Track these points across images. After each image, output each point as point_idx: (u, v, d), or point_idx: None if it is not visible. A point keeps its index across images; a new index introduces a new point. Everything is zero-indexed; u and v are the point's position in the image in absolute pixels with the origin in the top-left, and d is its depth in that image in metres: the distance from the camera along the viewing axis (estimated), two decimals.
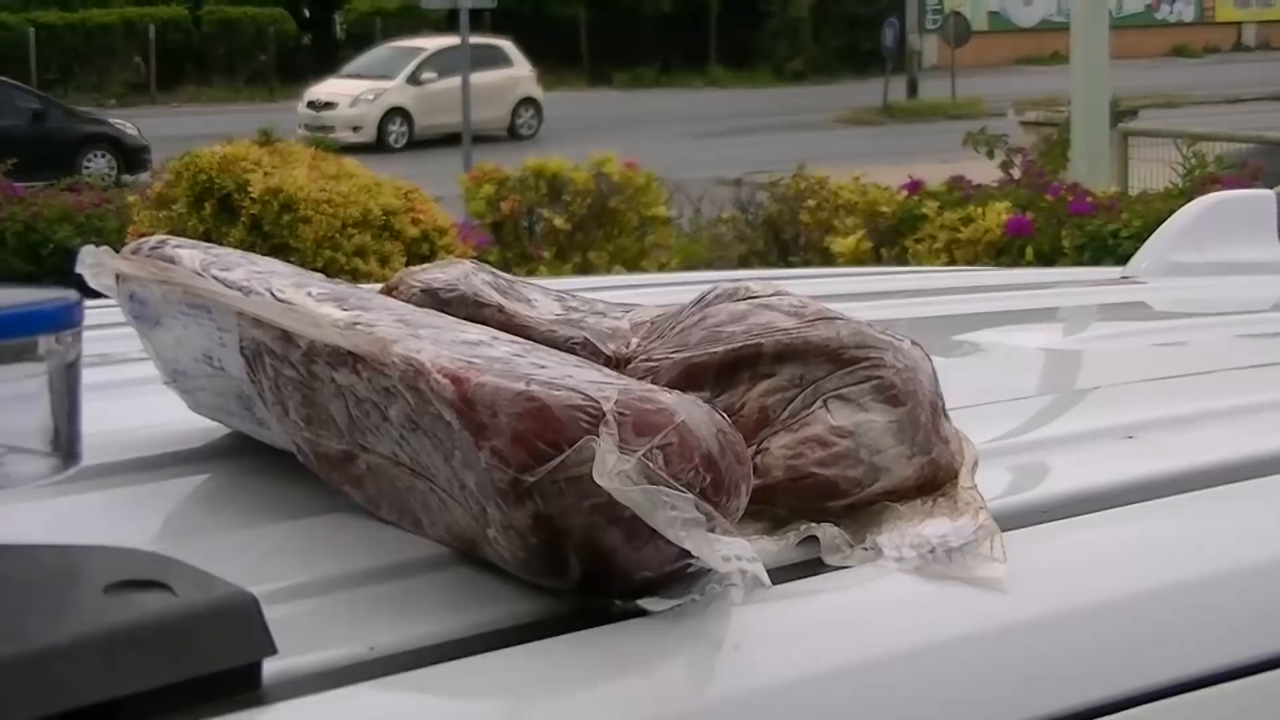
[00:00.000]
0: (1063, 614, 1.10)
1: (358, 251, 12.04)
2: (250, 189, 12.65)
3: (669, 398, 1.01)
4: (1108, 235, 11.32)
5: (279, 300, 1.17)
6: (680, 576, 1.01)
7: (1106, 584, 1.14)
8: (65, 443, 0.97)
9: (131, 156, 27.88)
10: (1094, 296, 2.37)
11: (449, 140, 30.29)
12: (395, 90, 33.85)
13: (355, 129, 32.26)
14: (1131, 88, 25.56)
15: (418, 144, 32.72)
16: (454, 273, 1.35)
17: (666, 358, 1.21)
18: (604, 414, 0.97)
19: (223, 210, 12.84)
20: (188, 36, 44.07)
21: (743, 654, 1.00)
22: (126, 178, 24.78)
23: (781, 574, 1.06)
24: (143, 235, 8.97)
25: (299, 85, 36.99)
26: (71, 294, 0.98)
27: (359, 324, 1.11)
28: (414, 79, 34.21)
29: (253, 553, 1.13)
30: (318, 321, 1.12)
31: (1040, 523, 1.19)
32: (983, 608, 1.07)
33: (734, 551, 0.96)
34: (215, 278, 1.21)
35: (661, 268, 11.95)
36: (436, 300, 1.30)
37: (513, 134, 34.45)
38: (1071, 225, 11.58)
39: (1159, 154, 15.77)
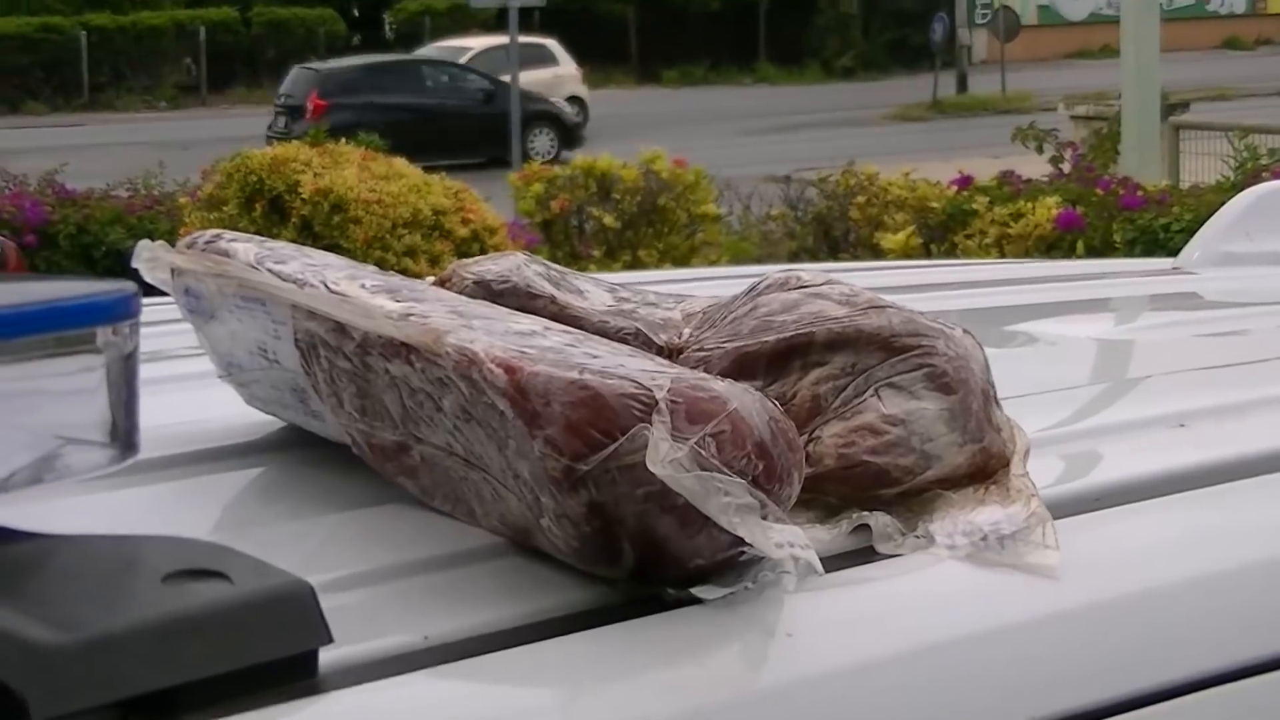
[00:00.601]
0: (1115, 601, 1.10)
1: (408, 251, 12.07)
2: (300, 190, 12.70)
3: (721, 386, 1.01)
4: (1159, 229, 11.28)
5: (333, 293, 1.17)
6: (733, 564, 1.02)
7: (1159, 571, 1.14)
8: (123, 434, 0.98)
9: (569, 133, 30.97)
10: (1145, 287, 2.36)
11: None
12: None
13: None
14: (1182, 81, 25.45)
15: None
16: (506, 264, 1.35)
17: (718, 347, 1.22)
18: (657, 402, 0.97)
19: (273, 211, 12.89)
20: (237, 38, 44.24)
21: (796, 641, 1.00)
22: (565, 153, 26.26)
23: (834, 562, 1.06)
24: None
25: None
26: (129, 285, 0.99)
27: (412, 315, 1.11)
28: None
29: (308, 543, 1.14)
30: (372, 313, 1.13)
31: (1093, 510, 1.19)
32: (1035, 595, 1.07)
33: (787, 538, 0.97)
34: (270, 271, 1.22)
35: (711, 265, 11.94)
36: (489, 292, 1.31)
37: None
38: (1122, 219, 11.55)
39: (1210, 147, 15.71)
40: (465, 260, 1.38)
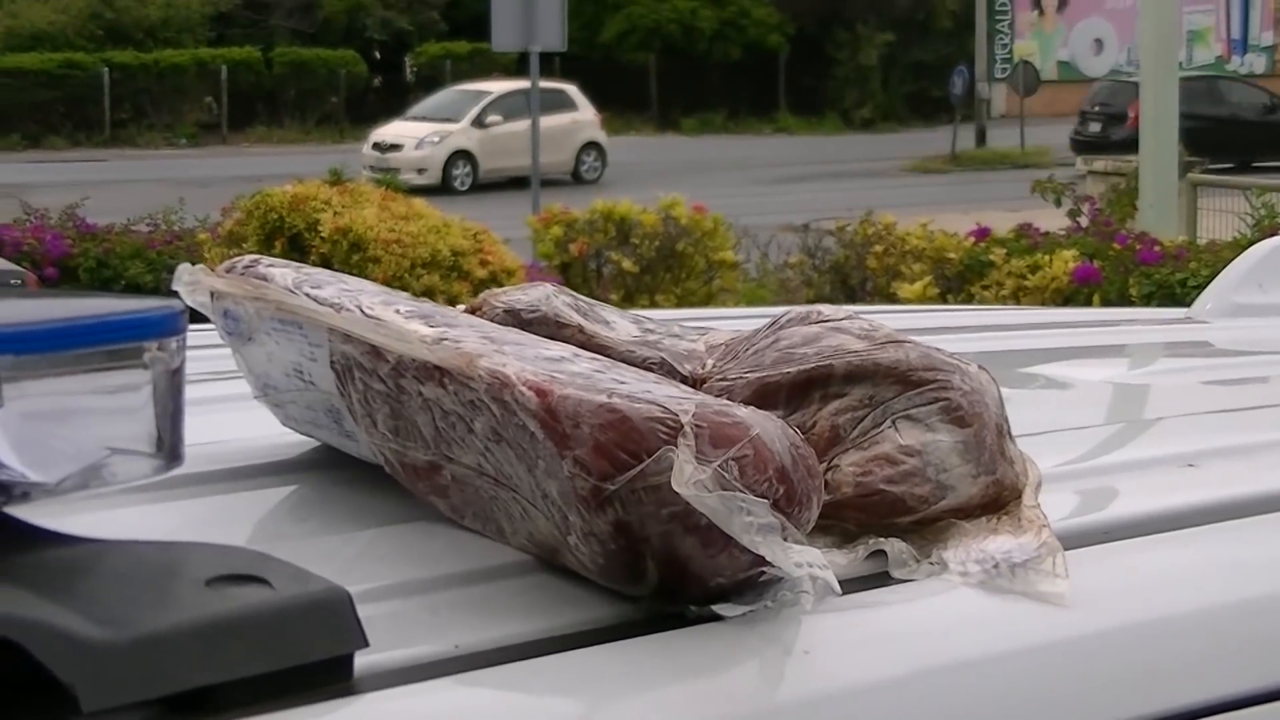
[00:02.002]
0: (1122, 630, 1.13)
1: (426, 292, 12.11)
2: (320, 228, 12.76)
3: (744, 412, 1.05)
4: (1175, 284, 11.31)
5: (369, 317, 1.21)
6: (753, 584, 1.05)
7: (1165, 603, 1.18)
8: (168, 445, 1.02)
9: None
10: (1158, 334, 2.40)
11: (513, 183, 30.46)
12: (460, 133, 34.00)
13: (420, 171, 32.40)
14: None
15: (482, 187, 32.85)
16: (535, 294, 1.40)
17: (741, 377, 1.25)
18: (682, 426, 1.01)
19: (293, 249, 12.94)
20: (259, 77, 44.41)
21: (813, 659, 1.04)
22: None
23: (850, 585, 1.09)
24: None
25: (369, 127, 37.21)
26: (176, 304, 1.03)
27: (446, 339, 1.15)
28: (479, 122, 34.36)
29: (343, 556, 1.18)
30: (406, 337, 1.17)
31: (1102, 543, 1.22)
32: (1044, 622, 1.11)
33: (806, 559, 1.00)
34: (307, 295, 1.26)
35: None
36: (519, 320, 1.35)
37: (576, 178, 34.56)
38: (1139, 274, 11.58)
39: (1228, 204, 15.73)
40: (496, 290, 1.42)
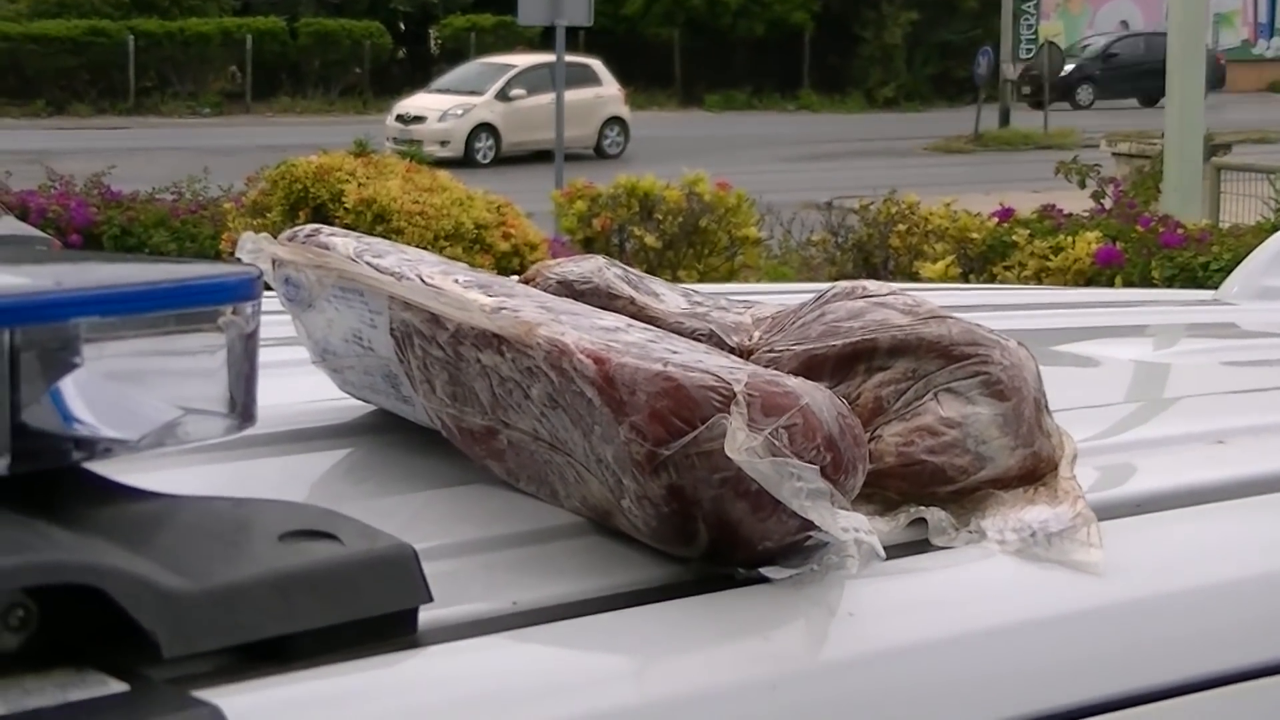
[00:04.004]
0: (1154, 598, 1.17)
1: None
2: (344, 199, 12.78)
3: (794, 382, 1.09)
4: (1198, 267, 11.32)
5: (429, 285, 1.25)
6: (799, 548, 1.09)
7: (1196, 573, 1.22)
8: (241, 406, 1.06)
9: None
10: (1186, 315, 2.44)
11: (536, 157, 30.45)
12: (484, 106, 34.00)
13: (443, 143, 32.41)
14: (1225, 122, 25.47)
15: (504, 160, 32.86)
16: (588, 266, 1.43)
17: (788, 349, 1.29)
18: (735, 394, 1.05)
19: (317, 219, 12.96)
20: (284, 47, 44.44)
21: (856, 621, 1.08)
22: None
23: (892, 551, 1.13)
24: (236, 242, 9.06)
25: (392, 99, 37.23)
26: (252, 269, 1.07)
27: (504, 309, 1.19)
28: (503, 95, 34.36)
29: (402, 516, 1.22)
30: (466, 306, 1.21)
31: (1135, 514, 1.26)
32: (1079, 589, 1.15)
33: (852, 523, 1.04)
34: (369, 264, 1.30)
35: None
36: (572, 291, 1.39)
37: (599, 153, 34.55)
38: (1161, 257, 11.59)
39: (1251, 189, 15.74)
40: (548, 261, 1.46)
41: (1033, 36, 46.42)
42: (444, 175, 13.80)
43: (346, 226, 12.45)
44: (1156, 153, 15.52)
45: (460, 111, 33.79)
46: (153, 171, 19.31)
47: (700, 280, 12.75)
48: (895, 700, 1.05)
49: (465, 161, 31.54)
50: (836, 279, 8.64)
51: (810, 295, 1.39)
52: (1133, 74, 44.90)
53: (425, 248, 8.39)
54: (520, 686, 0.99)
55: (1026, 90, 41.93)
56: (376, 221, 12.55)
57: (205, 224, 15.34)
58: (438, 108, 33.96)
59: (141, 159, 25.19)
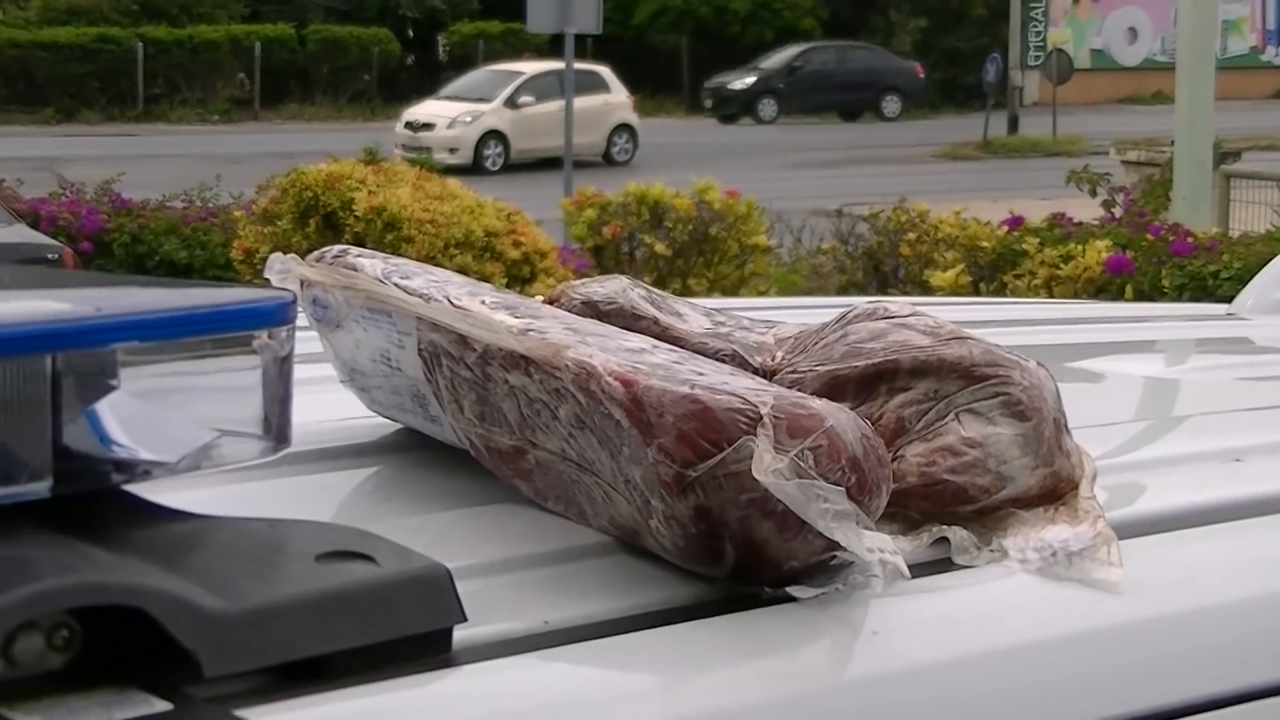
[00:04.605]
0: (1173, 616, 1.19)
1: (459, 272, 12.16)
2: (355, 207, 12.81)
3: (819, 404, 1.11)
4: (1208, 276, 11.34)
5: (456, 307, 1.27)
6: (824, 568, 1.11)
7: (1214, 591, 1.23)
8: (276, 428, 1.08)
9: None
10: (1201, 331, 2.45)
11: (545, 164, 30.50)
12: (492, 113, 34.08)
13: (452, 150, 32.48)
14: (1235, 130, 25.45)
15: (513, 167, 32.92)
16: (612, 287, 1.45)
17: (811, 370, 1.31)
18: (761, 417, 1.07)
19: (327, 227, 13.00)
20: (293, 54, 44.50)
21: (881, 639, 1.10)
22: None
23: (915, 570, 1.15)
24: (247, 250, 9.08)
25: (401, 105, 37.29)
26: (286, 294, 1.09)
27: (532, 330, 1.21)
28: (511, 102, 34.44)
29: (431, 534, 1.23)
30: (494, 327, 1.22)
31: (1154, 533, 1.28)
32: (1099, 608, 1.16)
33: (877, 544, 1.06)
34: (397, 285, 1.32)
35: (760, 295, 12.03)
36: (596, 312, 1.41)
37: (608, 160, 34.62)
38: (1172, 265, 11.61)
39: (1261, 196, 15.76)
40: (573, 282, 1.48)
41: (1041, 43, 46.46)
42: (454, 183, 13.83)
43: (356, 234, 12.51)
44: (1166, 160, 15.54)
45: (469, 119, 33.86)
46: (162, 178, 19.34)
47: (710, 288, 12.77)
48: (919, 716, 1.07)
49: (474, 168, 31.60)
50: (846, 287, 8.68)
51: (828, 311, 1.41)
52: (822, 87, 43.94)
53: (435, 256, 8.44)
54: (553, 705, 1.01)
55: (709, 104, 43.39)
56: (387, 229, 12.58)
57: (216, 231, 15.39)
58: (446, 115, 34.03)
59: (150, 166, 25.21)
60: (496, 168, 33.20)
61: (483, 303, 1.28)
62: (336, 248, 1.42)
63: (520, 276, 12.60)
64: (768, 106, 43.93)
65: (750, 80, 44.11)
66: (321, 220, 13.04)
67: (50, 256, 13.48)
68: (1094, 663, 1.14)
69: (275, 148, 31.01)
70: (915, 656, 1.10)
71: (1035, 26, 47.25)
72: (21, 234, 14.00)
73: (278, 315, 1.06)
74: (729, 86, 44.06)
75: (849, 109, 44.58)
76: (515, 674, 1.02)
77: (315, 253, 1.42)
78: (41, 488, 0.97)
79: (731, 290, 12.75)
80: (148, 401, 1.01)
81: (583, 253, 13.57)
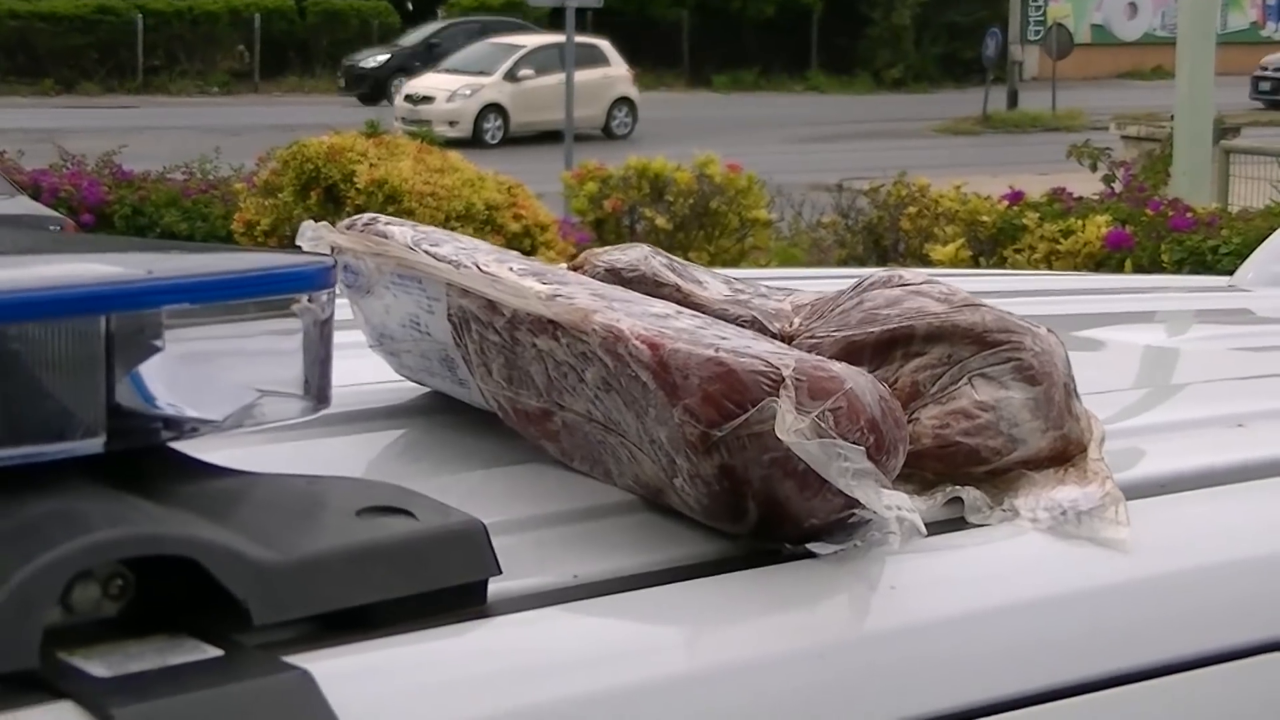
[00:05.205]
0: (1179, 574, 1.23)
1: None
2: (356, 180, 12.84)
3: (839, 367, 1.14)
4: (1207, 251, 11.38)
5: (485, 273, 1.31)
6: (843, 525, 1.15)
7: (1219, 551, 1.28)
8: (316, 389, 1.12)
9: None
10: (1204, 302, 2.50)
11: (544, 137, 30.51)
12: (492, 86, 34.07)
13: (452, 124, 32.46)
14: (1234, 105, 25.48)
15: (513, 140, 32.92)
16: (634, 255, 1.49)
17: (828, 335, 1.35)
18: (784, 379, 1.11)
19: (328, 200, 13.04)
20: (292, 26, 44.49)
21: (898, 594, 1.14)
22: None
23: (931, 529, 1.19)
24: (248, 222, 9.10)
25: (400, 78, 37.24)
26: (327, 258, 1.13)
27: (559, 296, 1.25)
28: (511, 76, 34.42)
29: (461, 493, 1.27)
30: (523, 293, 1.26)
31: (1160, 494, 1.32)
32: (1108, 565, 1.20)
33: (895, 501, 1.10)
34: (426, 252, 1.36)
35: (762, 269, 12.07)
36: (619, 279, 1.44)
37: (608, 133, 34.63)
38: (1171, 240, 11.65)
39: (1260, 172, 15.78)
40: (596, 249, 1.52)
41: (1041, 18, 46.43)
42: (455, 156, 13.86)
43: (357, 206, 12.52)
44: (1166, 136, 15.56)
45: (469, 92, 33.85)
46: (161, 150, 19.39)
47: (711, 261, 12.80)
48: (935, 669, 1.11)
49: (474, 142, 31.60)
50: (846, 261, 8.72)
51: (836, 280, 1.44)
52: None
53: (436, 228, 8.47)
54: (583, 654, 1.05)
55: (342, 83, 39.66)
56: (388, 202, 12.61)
57: (216, 203, 15.42)
58: (446, 88, 34.02)
59: (150, 138, 25.25)
60: (496, 141, 33.20)
61: (510, 269, 1.32)
62: (366, 215, 1.46)
63: (521, 249, 12.53)
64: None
65: (384, 58, 41.01)
66: (323, 193, 13.08)
67: (52, 228, 13.49)
68: (1102, 617, 1.18)
69: (275, 120, 31.01)
70: (931, 611, 1.14)
71: (1035, 1, 47.23)
72: (23, 205, 14.02)
73: (319, 279, 1.10)
74: (361, 65, 40.83)
75: None
76: (547, 625, 1.06)
77: (345, 220, 1.45)
78: (96, 444, 1.01)
79: (732, 264, 12.78)
80: (192, 362, 1.05)
81: (583, 226, 13.60)
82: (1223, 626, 1.21)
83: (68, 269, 1.03)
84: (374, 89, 39.69)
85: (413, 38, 42.04)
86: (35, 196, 14.84)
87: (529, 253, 13.10)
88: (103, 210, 15.46)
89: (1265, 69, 41.07)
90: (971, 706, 1.10)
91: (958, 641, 1.13)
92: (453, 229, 9.77)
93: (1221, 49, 16.41)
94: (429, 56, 39.57)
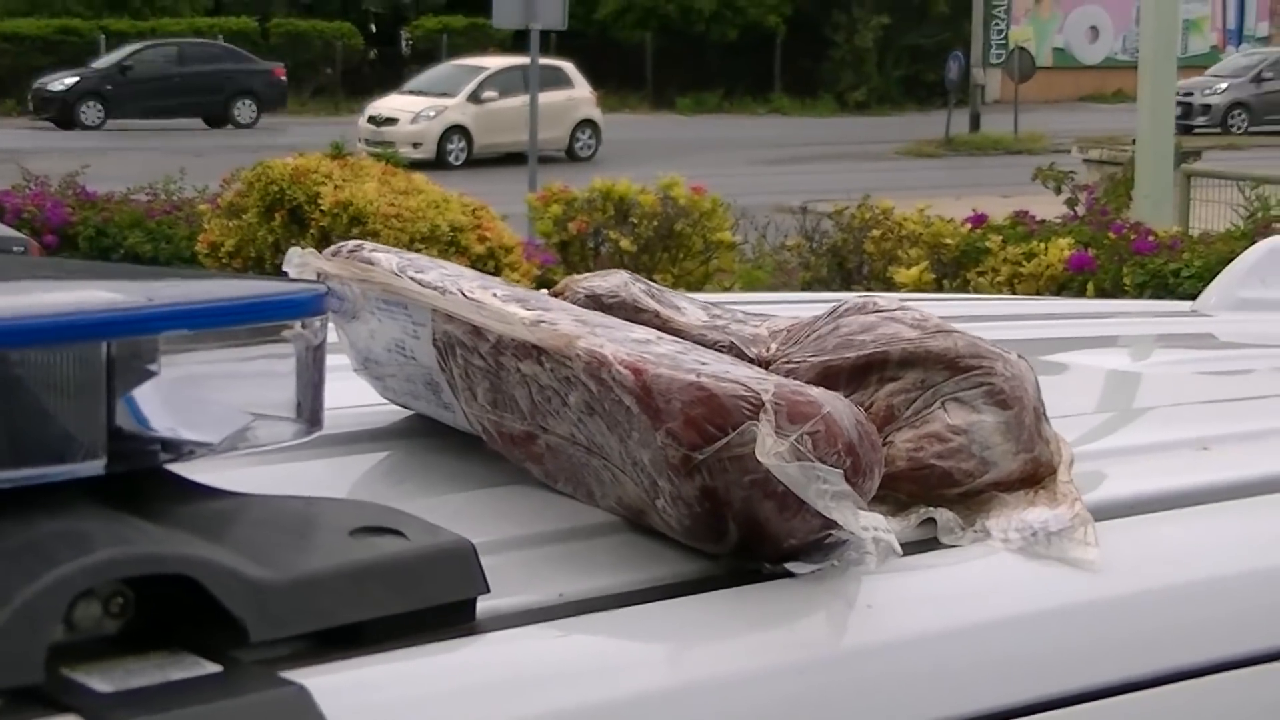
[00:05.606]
0: (1146, 593, 1.27)
1: None
2: (321, 201, 12.83)
3: (816, 392, 1.18)
4: (1169, 274, 11.45)
5: (470, 299, 1.34)
6: (821, 545, 1.18)
7: (1184, 570, 1.31)
8: (309, 412, 1.15)
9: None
10: (1167, 327, 2.54)
11: (508, 159, 30.56)
12: (456, 108, 34.11)
13: (415, 145, 32.47)
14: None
15: (476, 162, 32.94)
16: (614, 281, 1.53)
17: (805, 360, 1.39)
18: (763, 403, 1.14)
19: (293, 221, 13.04)
20: (255, 48, 44.44)
21: (874, 613, 1.17)
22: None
23: (905, 549, 1.22)
24: (213, 243, 9.07)
25: (364, 99, 37.30)
26: (320, 286, 1.16)
27: (543, 321, 1.28)
28: (475, 97, 34.47)
29: (447, 514, 1.30)
30: (507, 319, 1.29)
31: (1127, 516, 1.35)
32: (1077, 584, 1.24)
33: (872, 523, 1.14)
34: (412, 278, 1.39)
35: (725, 291, 12.10)
36: (600, 304, 1.48)
37: (571, 155, 34.68)
38: (1133, 263, 11.72)
39: (1221, 195, 15.87)
40: (576, 276, 1.55)
41: (1003, 41, 46.66)
42: (420, 178, 13.87)
43: (322, 228, 12.49)
44: (1128, 159, 15.65)
45: (432, 113, 33.89)
46: (125, 172, 19.34)
47: (675, 284, 12.83)
48: (910, 685, 1.14)
49: (437, 163, 31.61)
50: (810, 284, 8.74)
51: (809, 305, 1.48)
52: (161, 89, 39.36)
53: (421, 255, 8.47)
54: (569, 670, 1.08)
55: (32, 106, 38.74)
56: (353, 224, 12.62)
57: (180, 225, 15.40)
58: (410, 109, 34.05)
59: (114, 159, 25.18)
60: (459, 162, 33.24)
61: (494, 295, 1.35)
62: (352, 242, 1.48)
63: (485, 272, 12.61)
64: (92, 110, 39.17)
65: (71, 81, 39.34)
66: (287, 214, 13.08)
67: (16, 249, 13.45)
68: (1073, 636, 1.21)
69: (237, 142, 30.97)
70: (906, 628, 1.17)
71: (997, 24, 47.47)
72: None
73: (313, 306, 1.13)
74: (49, 88, 39.12)
75: (204, 114, 40.09)
76: (534, 642, 1.09)
77: (331, 247, 1.48)
78: (96, 466, 1.04)
79: (697, 286, 12.82)
80: (187, 386, 1.08)
81: (548, 248, 13.62)
82: (1189, 644, 1.25)
83: (71, 296, 1.06)
84: (62, 112, 38.84)
85: (105, 60, 40.82)
86: None
87: (493, 275, 13.04)
88: (66, 231, 15.44)
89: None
90: None
91: (933, 658, 1.17)
92: (417, 250, 9.78)
93: (1182, 72, 16.49)
94: (122, 79, 39.12)
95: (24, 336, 1.00)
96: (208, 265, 13.40)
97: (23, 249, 13.51)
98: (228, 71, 40.86)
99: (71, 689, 0.95)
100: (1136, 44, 19.38)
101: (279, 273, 1.47)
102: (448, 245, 12.63)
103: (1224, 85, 40.06)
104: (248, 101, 40.94)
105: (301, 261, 1.46)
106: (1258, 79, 41.32)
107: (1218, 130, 37.78)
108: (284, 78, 41.83)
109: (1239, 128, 39.18)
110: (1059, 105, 45.93)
